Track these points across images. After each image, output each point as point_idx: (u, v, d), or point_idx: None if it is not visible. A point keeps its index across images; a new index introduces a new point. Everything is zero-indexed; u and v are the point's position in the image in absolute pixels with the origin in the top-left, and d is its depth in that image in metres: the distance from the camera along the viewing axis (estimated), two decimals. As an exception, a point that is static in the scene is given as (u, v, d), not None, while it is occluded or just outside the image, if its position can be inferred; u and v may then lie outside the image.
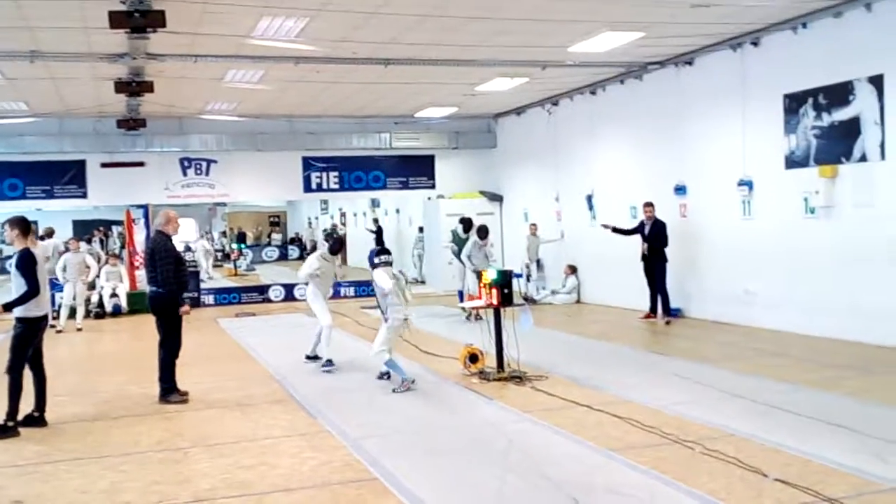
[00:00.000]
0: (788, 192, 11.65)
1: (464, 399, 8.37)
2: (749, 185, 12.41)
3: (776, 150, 11.84)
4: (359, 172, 19.96)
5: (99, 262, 17.13)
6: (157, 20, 8.90)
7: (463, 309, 14.17)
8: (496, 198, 20.60)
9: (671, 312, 13.47)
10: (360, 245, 27.86)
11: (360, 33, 11.15)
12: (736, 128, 12.60)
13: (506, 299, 9.21)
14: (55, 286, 14.18)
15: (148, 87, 13.12)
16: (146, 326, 10.31)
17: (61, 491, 5.82)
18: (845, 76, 10.66)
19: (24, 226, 7.50)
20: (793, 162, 11.61)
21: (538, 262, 18.17)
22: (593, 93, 16.34)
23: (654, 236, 13.49)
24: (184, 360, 8.92)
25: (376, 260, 9.03)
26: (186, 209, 20.88)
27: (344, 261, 27.71)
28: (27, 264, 7.30)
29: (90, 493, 5.73)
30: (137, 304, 15.67)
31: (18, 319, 7.40)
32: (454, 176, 20.58)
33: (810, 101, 11.24)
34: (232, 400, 8.60)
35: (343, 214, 32.69)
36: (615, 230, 14.24)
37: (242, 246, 31.27)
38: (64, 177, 17.89)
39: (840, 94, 10.76)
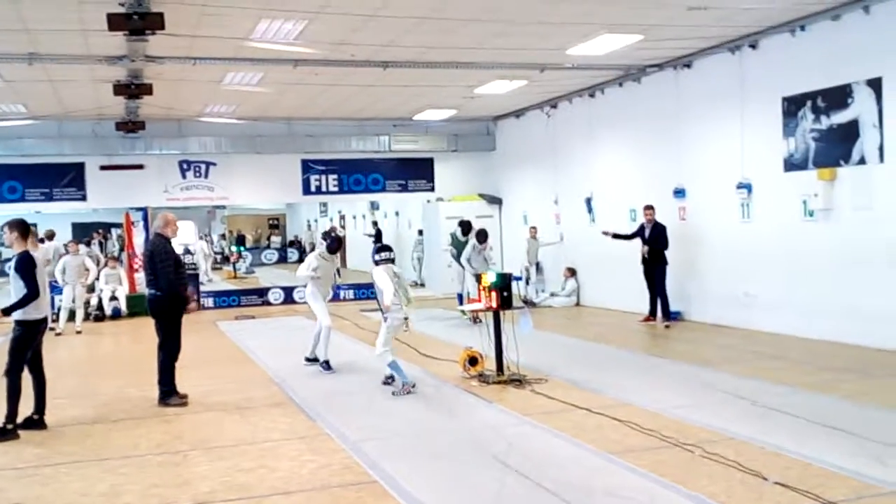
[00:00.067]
0: (787, 195, 11.66)
1: (463, 402, 8.36)
2: (748, 187, 12.42)
3: (775, 153, 11.85)
4: (358, 175, 19.94)
5: (98, 264, 17.13)
6: (155, 22, 8.89)
7: (463, 312, 14.15)
8: (495, 200, 20.57)
9: (671, 315, 13.47)
10: (359, 248, 27.85)
11: (359, 35, 11.15)
12: (734, 131, 12.61)
13: (505, 302, 9.19)
14: (55, 289, 14.16)
15: (147, 90, 13.11)
16: (145, 329, 10.30)
17: (61, 494, 5.82)
18: (843, 79, 10.67)
19: (23, 228, 7.48)
20: (791, 165, 11.62)
21: (537, 264, 18.13)
22: (592, 95, 16.35)
23: (655, 239, 13.47)
24: (183, 362, 8.92)
25: (377, 257, 9.01)
26: (185, 212, 20.97)
27: (343, 263, 27.78)
28: (26, 267, 7.28)
29: (90, 496, 5.73)
30: (137, 306, 15.68)
31: (18, 322, 7.39)
32: (453, 178, 20.55)
33: (809, 103, 11.25)
34: (231, 403, 8.60)
35: (342, 217, 32.69)
36: (616, 236, 14.20)
37: (241, 248, 31.19)
38: (63, 179, 17.86)
39: (838, 96, 10.77)
